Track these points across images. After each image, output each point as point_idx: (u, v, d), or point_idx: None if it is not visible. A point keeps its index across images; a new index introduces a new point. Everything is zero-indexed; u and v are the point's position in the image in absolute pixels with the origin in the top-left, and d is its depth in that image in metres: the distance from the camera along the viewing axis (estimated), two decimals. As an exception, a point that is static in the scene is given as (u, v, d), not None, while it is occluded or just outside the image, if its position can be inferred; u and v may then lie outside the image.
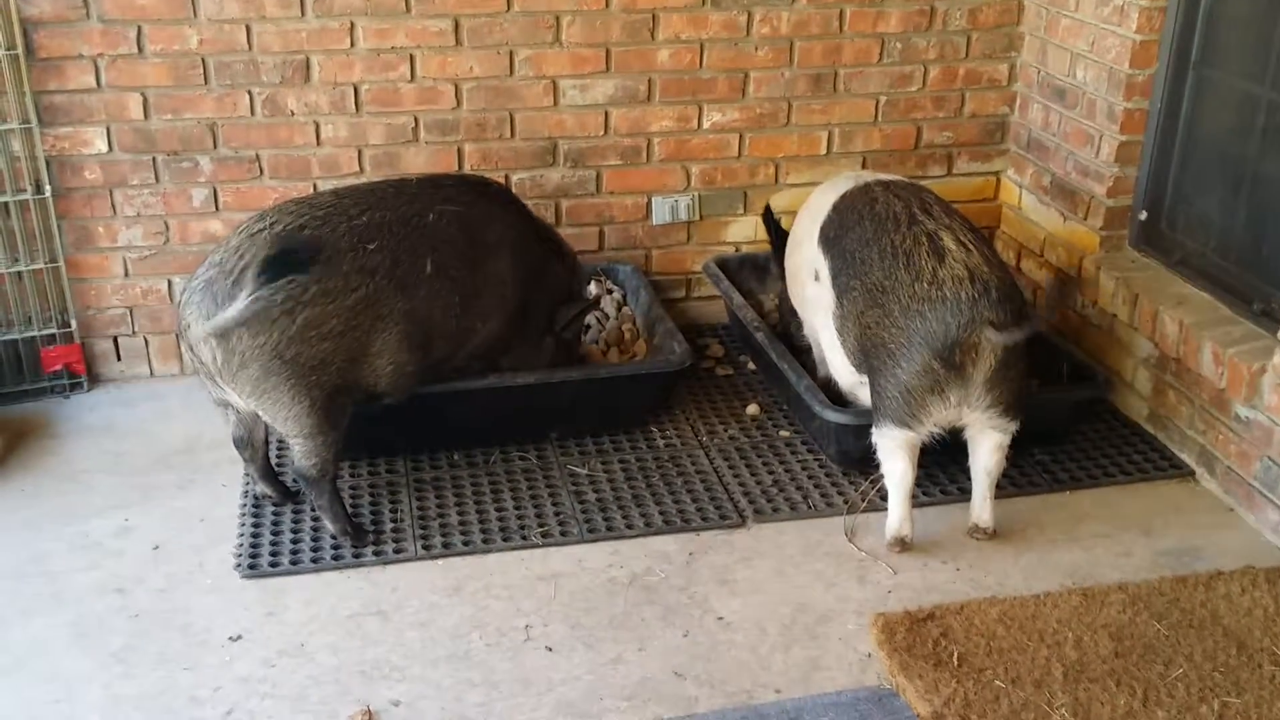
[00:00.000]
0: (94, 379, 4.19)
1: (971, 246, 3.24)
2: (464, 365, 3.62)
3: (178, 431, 3.91)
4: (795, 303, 3.95)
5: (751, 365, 4.36)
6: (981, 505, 3.38)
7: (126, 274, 4.13)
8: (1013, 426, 3.28)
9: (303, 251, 3.15)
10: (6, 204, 3.90)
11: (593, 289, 4.30)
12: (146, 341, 4.21)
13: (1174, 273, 3.95)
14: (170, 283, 4.17)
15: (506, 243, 3.63)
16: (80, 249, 4.07)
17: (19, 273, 3.98)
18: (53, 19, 3.78)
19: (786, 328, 4.14)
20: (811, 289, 3.66)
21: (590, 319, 4.24)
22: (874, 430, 3.33)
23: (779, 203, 4.35)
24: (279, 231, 3.19)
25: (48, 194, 3.93)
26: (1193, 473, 3.71)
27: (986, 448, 3.30)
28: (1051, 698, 2.72)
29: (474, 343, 3.60)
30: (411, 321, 3.35)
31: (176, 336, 3.20)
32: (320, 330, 3.15)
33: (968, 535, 3.40)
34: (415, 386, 3.48)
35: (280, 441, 3.69)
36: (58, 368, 4.08)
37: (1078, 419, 3.89)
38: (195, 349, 3.17)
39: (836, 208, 3.59)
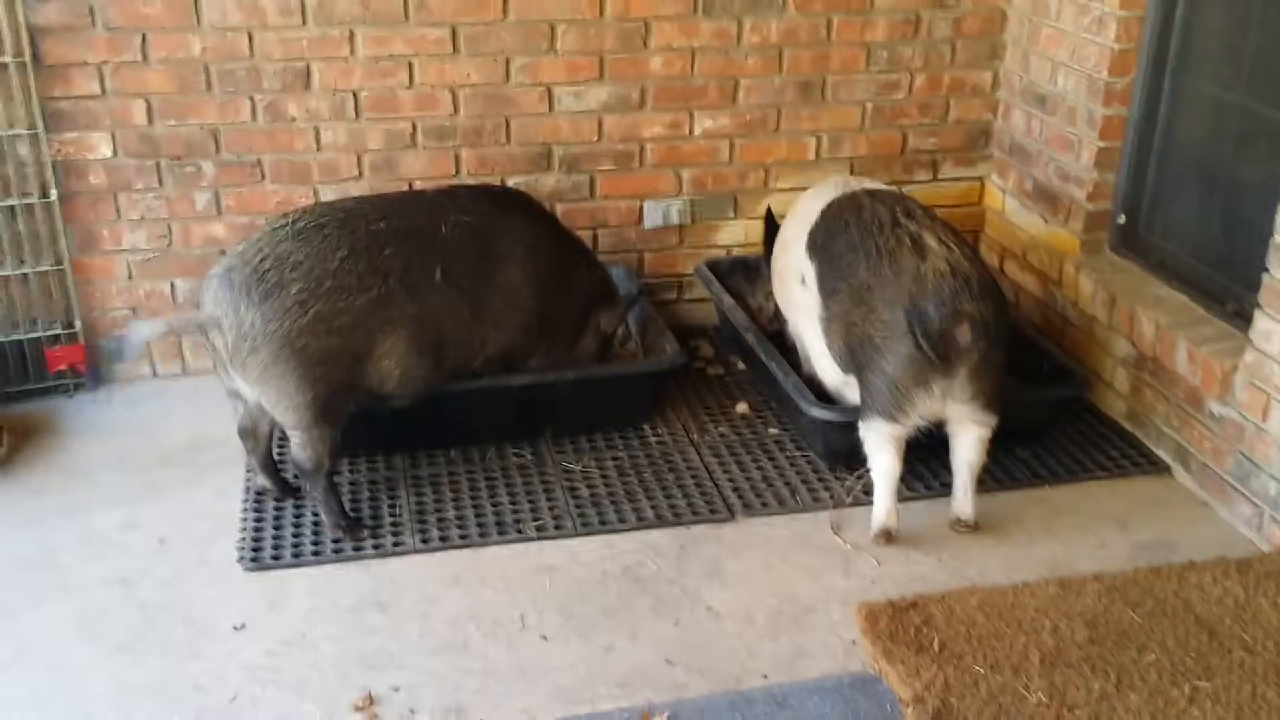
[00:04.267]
0: (97, 379, 4.27)
1: (953, 245, 3.34)
2: (483, 372, 3.71)
3: (180, 430, 3.99)
4: (780, 302, 4.04)
5: (741, 365, 4.44)
6: (963, 498, 3.47)
7: (130, 276, 4.21)
8: (993, 420, 3.38)
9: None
10: (14, 208, 3.98)
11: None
12: (149, 343, 4.27)
13: (1151, 275, 4.06)
14: (173, 285, 4.25)
15: (520, 254, 3.69)
16: (85, 252, 4.15)
17: (25, 275, 4.06)
18: (59, 27, 3.86)
19: (780, 325, 4.22)
20: (798, 293, 3.75)
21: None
22: (861, 425, 3.42)
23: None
24: (300, 228, 3.33)
25: (54, 198, 4.00)
26: (1168, 468, 3.80)
27: (968, 441, 3.40)
28: (1028, 682, 2.81)
29: (488, 351, 3.68)
30: (420, 327, 3.45)
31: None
32: (330, 324, 3.26)
33: (949, 528, 3.49)
34: (429, 391, 3.57)
35: (282, 437, 3.76)
36: (62, 368, 4.16)
37: (1057, 417, 3.98)
38: (209, 335, 3.27)
39: (824, 215, 3.68)
